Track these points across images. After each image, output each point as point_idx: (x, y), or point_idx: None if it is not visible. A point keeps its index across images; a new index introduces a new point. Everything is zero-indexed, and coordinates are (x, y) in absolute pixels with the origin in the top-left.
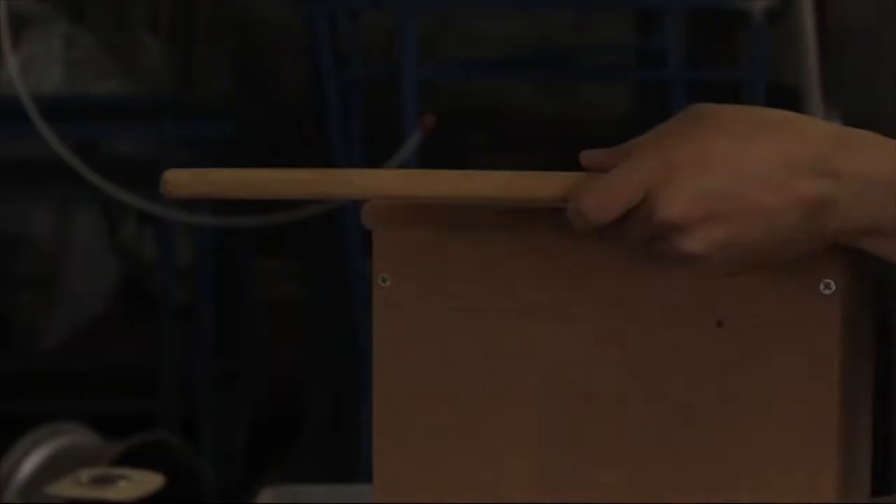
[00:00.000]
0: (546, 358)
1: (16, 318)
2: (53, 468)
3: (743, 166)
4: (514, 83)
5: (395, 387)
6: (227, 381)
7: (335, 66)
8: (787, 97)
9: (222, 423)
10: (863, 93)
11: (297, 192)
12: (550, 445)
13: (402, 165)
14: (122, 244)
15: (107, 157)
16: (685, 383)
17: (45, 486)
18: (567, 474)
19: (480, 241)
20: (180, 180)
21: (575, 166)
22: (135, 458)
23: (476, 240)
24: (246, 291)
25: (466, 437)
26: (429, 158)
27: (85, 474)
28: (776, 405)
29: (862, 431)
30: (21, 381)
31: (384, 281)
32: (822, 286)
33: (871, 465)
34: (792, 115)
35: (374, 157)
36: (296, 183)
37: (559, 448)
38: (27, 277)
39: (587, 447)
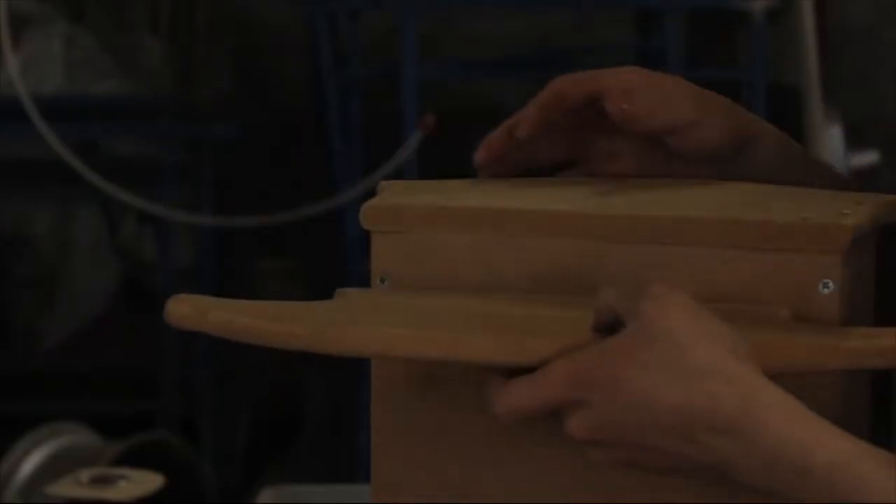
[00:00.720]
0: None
1: (16, 318)
2: (53, 468)
3: (648, 412)
4: (514, 83)
5: (393, 387)
6: (227, 381)
7: (335, 66)
8: (787, 97)
9: (222, 423)
10: (863, 93)
11: (289, 345)
12: (549, 445)
13: (402, 165)
14: (122, 244)
15: (107, 157)
16: None
17: (45, 486)
18: (566, 473)
19: (478, 242)
20: (182, 312)
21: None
22: (135, 458)
23: (474, 241)
24: (246, 291)
25: (465, 437)
26: (429, 158)
27: (85, 474)
28: None
29: (861, 433)
30: (21, 381)
31: (382, 282)
32: (820, 285)
33: None
34: (712, 365)
35: (374, 157)
36: (289, 337)
37: (558, 447)
38: (27, 277)
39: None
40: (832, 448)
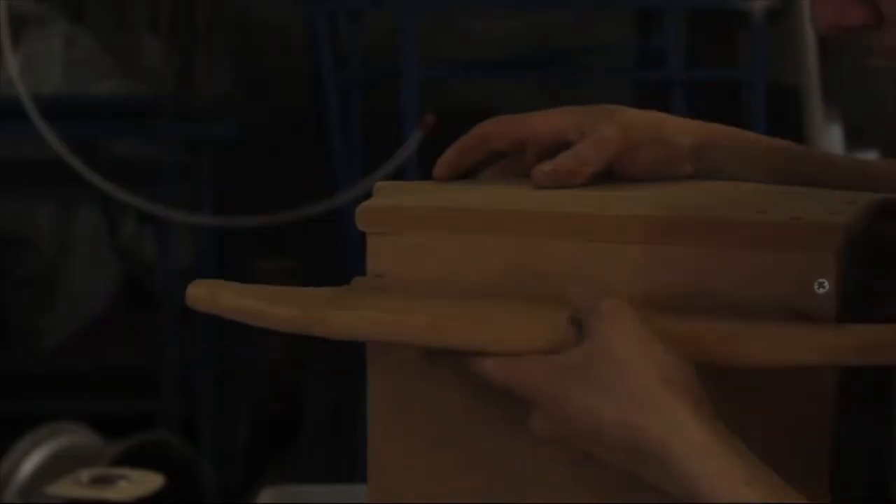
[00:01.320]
0: None
1: (16, 318)
2: (53, 468)
3: (588, 427)
4: (514, 83)
5: (389, 387)
6: (227, 381)
7: (335, 66)
8: (787, 97)
9: (222, 423)
10: (863, 93)
11: (283, 327)
12: (546, 443)
13: (402, 165)
14: (122, 244)
15: (107, 157)
16: None
17: (45, 486)
18: (565, 471)
19: (472, 243)
20: (198, 294)
21: None
22: (135, 458)
23: (468, 242)
24: None
25: (461, 437)
26: (429, 158)
27: (85, 474)
28: (769, 408)
29: (856, 434)
30: (21, 381)
31: None
32: (815, 285)
33: (871, 469)
34: (644, 392)
35: (374, 157)
36: (283, 319)
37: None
38: (27, 277)
39: None
40: (736, 493)
